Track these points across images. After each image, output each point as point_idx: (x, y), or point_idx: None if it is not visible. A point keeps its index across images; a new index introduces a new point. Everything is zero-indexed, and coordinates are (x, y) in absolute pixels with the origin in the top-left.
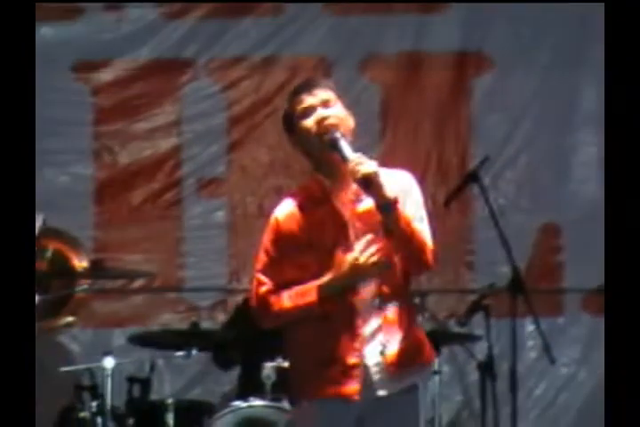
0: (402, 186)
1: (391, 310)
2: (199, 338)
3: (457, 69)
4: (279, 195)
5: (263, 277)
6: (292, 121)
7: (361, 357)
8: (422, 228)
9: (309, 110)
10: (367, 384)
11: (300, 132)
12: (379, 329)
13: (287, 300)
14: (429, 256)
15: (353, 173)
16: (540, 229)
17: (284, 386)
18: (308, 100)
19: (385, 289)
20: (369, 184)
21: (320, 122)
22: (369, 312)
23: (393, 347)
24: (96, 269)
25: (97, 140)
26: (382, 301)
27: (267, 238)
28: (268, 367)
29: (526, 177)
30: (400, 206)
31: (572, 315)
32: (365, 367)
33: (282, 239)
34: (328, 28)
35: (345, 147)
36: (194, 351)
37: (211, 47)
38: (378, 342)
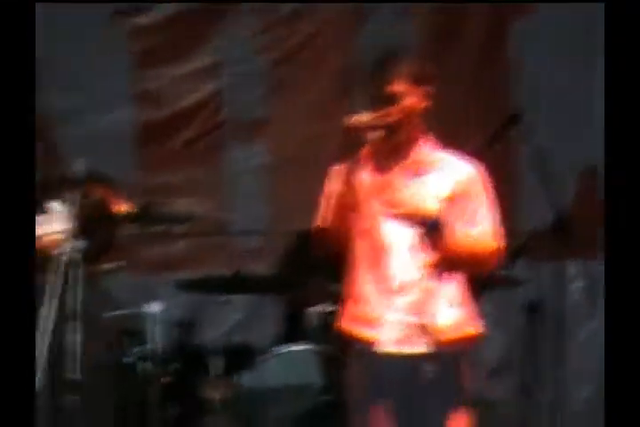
0: (459, 182)
1: (438, 284)
2: (242, 284)
3: (498, 12)
4: (319, 139)
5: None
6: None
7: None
8: (481, 231)
9: None
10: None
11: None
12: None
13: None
14: (490, 261)
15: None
16: (580, 172)
17: (326, 331)
18: None
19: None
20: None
21: None
22: (411, 280)
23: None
24: (141, 214)
25: (137, 84)
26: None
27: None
28: (312, 313)
29: (569, 119)
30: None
31: None
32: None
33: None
34: None
35: None
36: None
37: None
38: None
